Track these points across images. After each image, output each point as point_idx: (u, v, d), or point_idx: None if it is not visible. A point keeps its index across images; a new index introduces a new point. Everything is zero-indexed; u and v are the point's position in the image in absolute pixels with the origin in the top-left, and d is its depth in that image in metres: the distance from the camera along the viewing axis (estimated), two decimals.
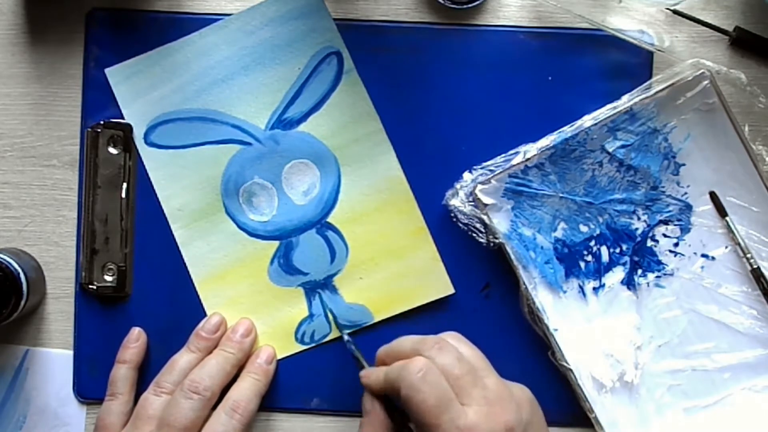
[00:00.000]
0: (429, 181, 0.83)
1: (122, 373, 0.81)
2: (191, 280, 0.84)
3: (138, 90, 0.83)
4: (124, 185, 0.83)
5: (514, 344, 0.82)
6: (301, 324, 0.84)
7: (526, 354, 0.82)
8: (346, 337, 0.81)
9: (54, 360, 0.84)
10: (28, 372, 0.84)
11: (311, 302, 0.84)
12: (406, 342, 0.74)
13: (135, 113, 0.83)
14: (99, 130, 0.83)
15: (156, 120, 0.83)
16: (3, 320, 0.78)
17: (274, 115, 0.83)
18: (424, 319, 0.83)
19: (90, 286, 0.83)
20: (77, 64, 0.84)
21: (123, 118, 0.83)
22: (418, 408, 0.68)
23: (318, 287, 0.84)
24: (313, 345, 0.84)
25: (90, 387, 0.84)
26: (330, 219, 0.84)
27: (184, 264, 0.84)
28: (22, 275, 0.79)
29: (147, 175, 0.84)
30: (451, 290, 0.83)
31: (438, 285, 0.83)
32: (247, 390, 0.79)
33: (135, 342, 0.82)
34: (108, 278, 0.84)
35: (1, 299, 0.77)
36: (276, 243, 0.83)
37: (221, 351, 0.81)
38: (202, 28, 0.83)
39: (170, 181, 0.83)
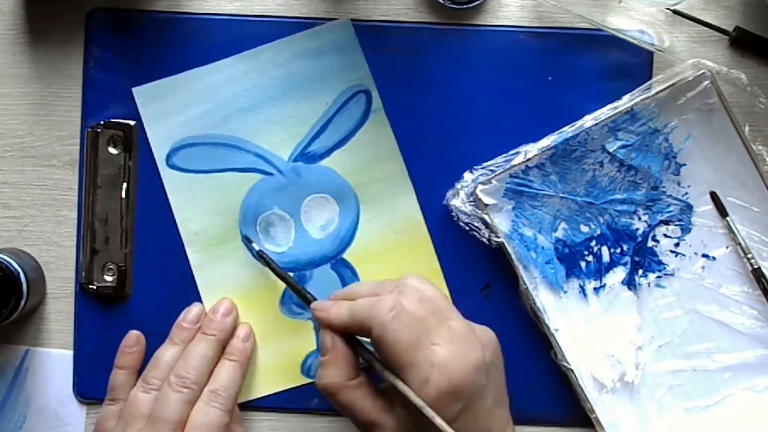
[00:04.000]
0: (429, 181, 0.83)
1: (121, 379, 0.81)
2: (201, 301, 0.83)
3: (164, 111, 0.83)
4: (124, 185, 0.83)
5: (514, 344, 0.82)
6: (308, 357, 0.84)
7: (527, 354, 0.82)
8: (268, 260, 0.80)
9: (54, 360, 0.84)
10: (28, 372, 0.84)
11: (319, 336, 0.83)
12: (363, 286, 0.75)
13: (159, 134, 0.83)
14: (99, 130, 0.83)
15: (180, 143, 0.83)
16: (3, 320, 0.77)
17: (298, 147, 0.83)
18: None
19: (90, 286, 0.83)
20: (77, 64, 0.84)
21: (128, 118, 0.83)
22: (393, 347, 0.68)
23: None
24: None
25: (90, 387, 0.84)
26: (345, 255, 0.83)
27: (187, 264, 0.84)
28: (22, 275, 0.78)
29: (164, 193, 0.83)
30: None
31: None
32: (225, 376, 0.78)
33: (133, 346, 0.82)
34: (108, 278, 0.84)
35: (1, 299, 0.77)
36: (290, 275, 0.83)
37: (203, 336, 0.80)
38: (234, 55, 0.83)
39: (189, 205, 0.83)
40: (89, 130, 0.83)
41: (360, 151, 0.83)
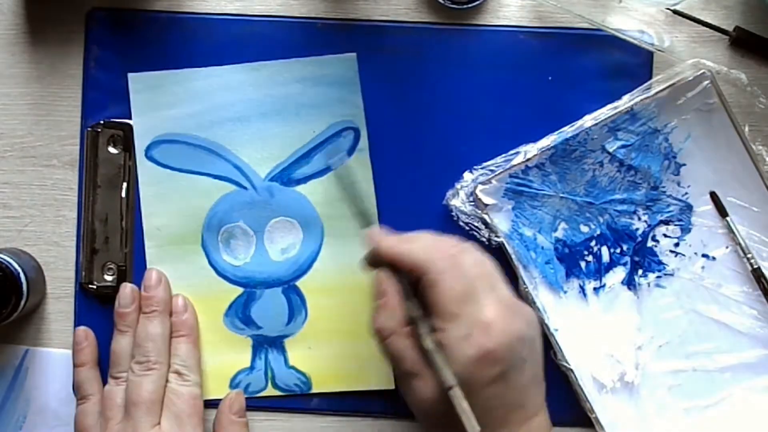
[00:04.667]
0: (429, 181, 0.83)
1: (84, 375, 0.81)
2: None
3: (155, 103, 0.83)
4: (124, 185, 0.83)
5: None
6: (239, 373, 0.84)
7: None
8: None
9: (54, 360, 0.84)
10: (28, 372, 0.84)
11: (256, 355, 0.84)
12: (423, 235, 0.73)
13: (144, 123, 0.83)
14: (99, 130, 0.83)
15: (163, 137, 0.83)
16: (3, 320, 0.78)
17: (277, 168, 0.83)
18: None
19: (90, 286, 0.83)
20: (77, 64, 0.84)
21: (127, 118, 0.83)
22: (443, 295, 0.68)
23: (267, 343, 0.83)
24: (245, 397, 0.83)
25: None
26: (299, 283, 0.83)
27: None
28: (22, 275, 0.79)
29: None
30: (391, 386, 0.82)
31: (381, 377, 0.83)
32: (181, 353, 0.80)
33: (83, 342, 0.82)
34: (108, 278, 0.84)
35: (1, 299, 0.77)
36: (240, 290, 0.83)
37: (145, 316, 0.81)
38: (232, 64, 0.83)
39: (158, 200, 0.83)
40: (89, 129, 0.83)
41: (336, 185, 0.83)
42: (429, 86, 0.83)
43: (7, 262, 0.78)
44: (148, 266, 0.83)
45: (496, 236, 0.80)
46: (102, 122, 0.83)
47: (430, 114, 0.83)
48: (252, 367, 0.84)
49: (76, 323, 0.84)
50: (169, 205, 0.83)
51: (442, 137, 0.83)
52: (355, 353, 0.83)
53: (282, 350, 0.83)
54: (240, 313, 0.83)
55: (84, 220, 0.84)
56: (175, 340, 0.81)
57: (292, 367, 0.83)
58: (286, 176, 0.83)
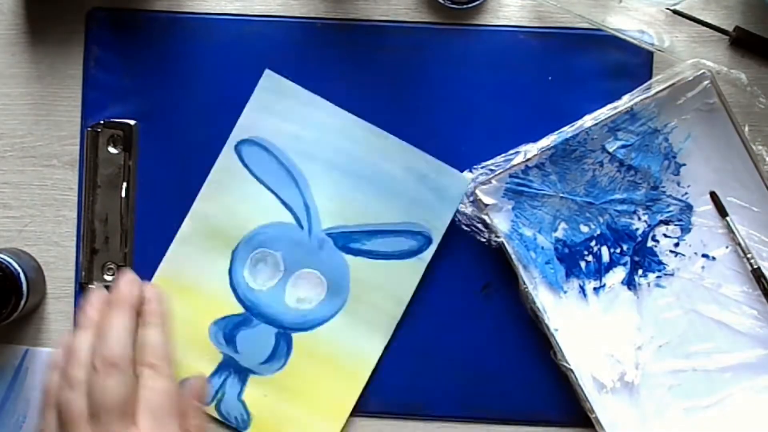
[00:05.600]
0: None
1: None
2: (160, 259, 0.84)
3: (273, 107, 0.83)
4: (124, 185, 0.83)
5: (514, 343, 0.82)
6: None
7: (527, 353, 0.82)
8: None
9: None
10: (28, 372, 0.84)
11: (217, 372, 0.83)
12: None
13: (252, 118, 0.83)
14: (99, 130, 0.83)
15: (259, 139, 0.83)
16: (3, 320, 0.78)
17: (339, 227, 0.83)
18: None
19: (90, 286, 0.83)
20: (77, 64, 0.84)
21: (127, 118, 0.83)
22: None
23: (233, 369, 0.83)
24: None
25: None
26: (295, 335, 0.83)
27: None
28: (22, 275, 0.78)
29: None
30: None
31: None
32: (153, 343, 0.74)
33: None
34: (108, 278, 0.84)
35: (1, 299, 0.77)
36: (240, 309, 0.83)
37: (115, 309, 0.74)
38: (361, 118, 0.83)
39: (221, 190, 0.83)
40: (89, 129, 0.83)
41: (382, 276, 0.83)
42: (429, 86, 0.83)
43: (7, 262, 0.78)
44: (176, 240, 0.83)
45: (496, 236, 0.80)
46: (102, 122, 0.83)
47: (430, 113, 0.83)
48: (208, 381, 0.83)
49: (76, 323, 0.83)
50: (226, 199, 0.83)
51: (441, 136, 0.83)
52: (303, 420, 0.83)
53: (243, 381, 0.83)
54: (227, 331, 0.83)
55: (84, 220, 0.84)
56: (146, 331, 0.75)
57: (242, 401, 0.83)
58: (342, 239, 0.83)
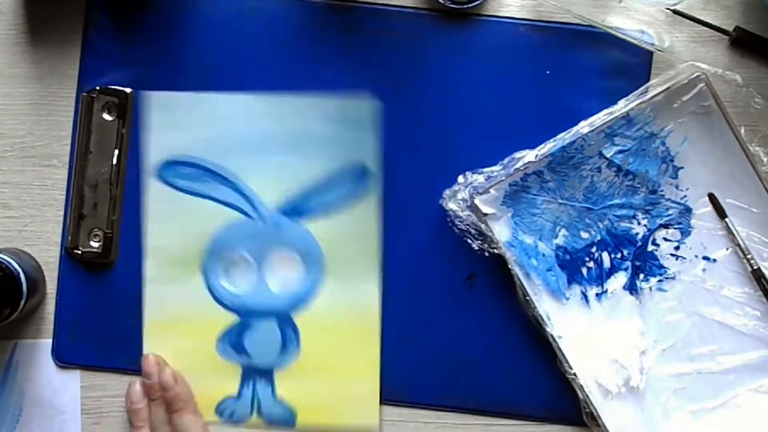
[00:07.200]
0: (424, 173, 0.83)
1: (143, 407, 0.83)
2: (141, 313, 0.84)
3: (172, 122, 0.83)
4: (116, 152, 0.83)
5: (500, 333, 0.83)
6: (226, 399, 0.84)
7: (513, 343, 0.83)
8: None
9: (43, 350, 0.84)
10: (19, 365, 0.84)
11: (244, 384, 0.84)
12: None
13: (159, 142, 0.83)
14: (94, 96, 0.83)
15: (176, 157, 0.83)
16: (3, 320, 0.78)
17: (286, 200, 0.83)
18: None
19: (75, 251, 0.83)
20: (77, 64, 0.84)
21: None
22: None
23: (256, 373, 0.84)
24: (228, 422, 0.84)
25: (69, 351, 0.84)
26: (295, 317, 0.83)
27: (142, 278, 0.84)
28: (22, 275, 0.79)
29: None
30: (376, 425, 0.83)
31: (367, 417, 0.83)
32: (185, 424, 0.81)
33: (141, 402, 0.82)
34: (94, 244, 0.83)
35: (1, 299, 0.77)
36: (235, 317, 0.84)
37: (155, 403, 0.82)
38: (256, 92, 0.83)
39: (163, 220, 0.83)
40: (84, 94, 0.83)
41: (343, 226, 0.83)
42: (427, 73, 0.84)
43: (7, 262, 0.78)
44: (146, 282, 0.83)
45: (490, 246, 0.80)
46: (98, 88, 0.83)
47: (428, 103, 0.83)
48: (239, 395, 0.84)
49: (60, 288, 0.84)
50: (173, 225, 0.83)
51: (439, 129, 0.83)
52: (344, 393, 0.83)
53: (270, 381, 0.83)
54: (233, 341, 0.83)
55: (73, 185, 0.84)
56: (176, 415, 0.81)
57: (280, 399, 0.83)
58: (293, 210, 0.83)
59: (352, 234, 0.83)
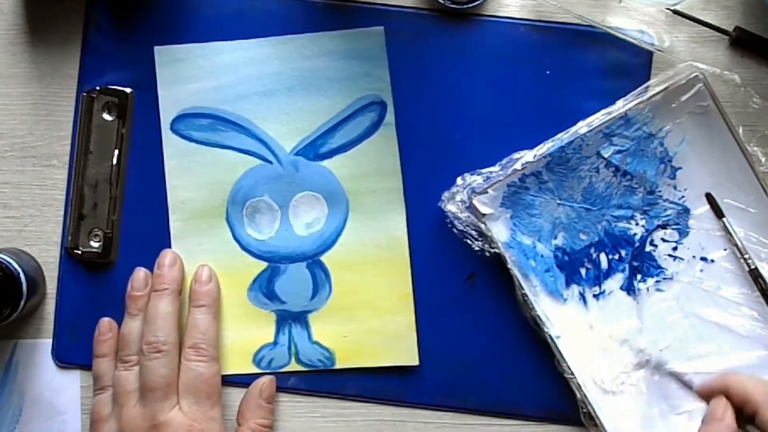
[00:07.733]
0: (423, 174, 0.83)
1: (104, 367, 0.81)
2: None
3: (180, 76, 0.83)
4: (116, 152, 0.83)
5: (500, 333, 0.83)
6: (262, 348, 0.84)
7: (513, 343, 0.83)
8: None
9: (44, 350, 0.84)
10: (19, 365, 0.84)
11: (279, 330, 0.84)
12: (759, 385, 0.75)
13: (170, 97, 0.83)
14: (94, 96, 0.83)
15: (189, 110, 0.83)
16: (3, 320, 0.78)
17: (303, 142, 0.83)
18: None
19: (75, 251, 0.83)
20: (77, 64, 0.84)
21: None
22: None
23: (291, 318, 0.84)
24: (268, 371, 0.84)
25: (69, 351, 0.84)
26: (323, 258, 0.83)
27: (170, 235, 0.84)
28: (22, 275, 0.79)
29: (161, 157, 0.84)
30: (416, 362, 0.83)
31: (406, 353, 0.83)
32: (199, 325, 0.80)
33: (107, 333, 0.82)
34: (94, 244, 0.84)
35: (1, 299, 0.77)
36: (264, 264, 0.84)
37: (156, 294, 0.80)
38: (261, 37, 0.83)
39: (182, 173, 0.84)
40: (84, 94, 0.84)
41: (363, 160, 0.83)
42: (427, 73, 0.83)
43: (7, 262, 0.78)
44: (172, 240, 0.84)
45: (490, 247, 0.80)
46: (98, 88, 0.83)
47: (427, 103, 0.83)
48: (275, 342, 0.84)
49: (60, 288, 0.84)
50: (194, 178, 0.84)
51: (438, 130, 0.83)
52: (380, 330, 0.83)
53: (306, 325, 0.83)
54: (264, 288, 0.84)
55: (73, 185, 0.84)
56: (196, 310, 0.81)
57: (316, 343, 0.83)
58: (311, 150, 0.83)
59: (373, 168, 0.83)
